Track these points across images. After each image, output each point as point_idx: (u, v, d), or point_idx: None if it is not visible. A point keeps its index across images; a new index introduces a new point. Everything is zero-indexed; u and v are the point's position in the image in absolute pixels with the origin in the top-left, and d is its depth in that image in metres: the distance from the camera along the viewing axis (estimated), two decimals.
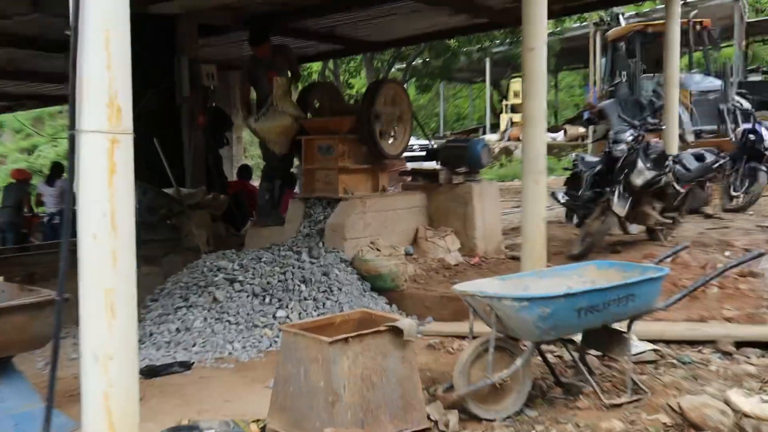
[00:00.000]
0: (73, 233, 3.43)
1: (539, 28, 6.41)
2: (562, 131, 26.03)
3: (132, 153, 3.38)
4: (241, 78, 9.40)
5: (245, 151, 19.61)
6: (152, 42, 10.16)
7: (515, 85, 29.28)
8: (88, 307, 3.35)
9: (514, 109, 28.75)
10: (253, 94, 9.35)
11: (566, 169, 9.46)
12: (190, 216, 9.50)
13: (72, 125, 3.35)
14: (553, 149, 23.34)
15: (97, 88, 3.32)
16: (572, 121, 26.56)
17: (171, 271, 7.87)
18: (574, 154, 11.64)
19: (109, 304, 3.32)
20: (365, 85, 32.46)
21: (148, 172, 10.27)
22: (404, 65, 27.18)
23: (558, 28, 26.03)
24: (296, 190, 10.46)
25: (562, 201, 8.93)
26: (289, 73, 9.00)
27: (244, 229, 10.39)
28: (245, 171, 13.37)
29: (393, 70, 28.45)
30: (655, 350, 5.34)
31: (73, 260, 3.41)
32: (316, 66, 27.35)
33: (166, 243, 9.32)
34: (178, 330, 6.47)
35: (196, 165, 10.41)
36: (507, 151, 26.14)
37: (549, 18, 6.81)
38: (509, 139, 27.21)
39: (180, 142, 10.43)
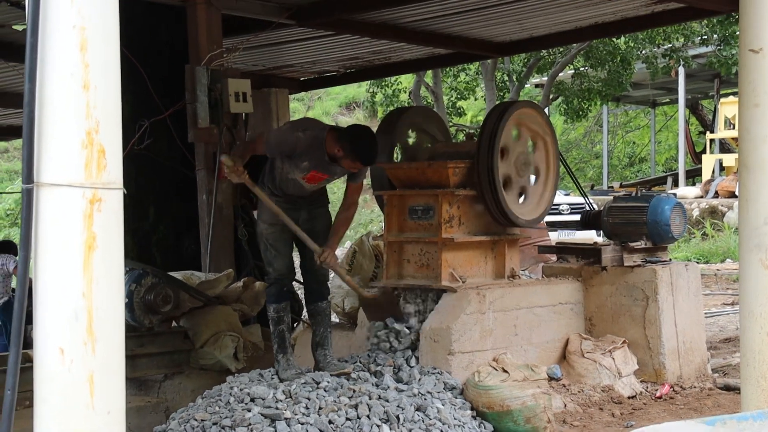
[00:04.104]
0: (25, 344, 3.43)
1: None
2: None
3: (122, 218, 3.38)
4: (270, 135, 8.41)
5: None
6: (147, 43, 10.39)
7: (727, 108, 28.98)
8: None
9: (725, 146, 28.36)
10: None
11: None
12: (209, 315, 9.54)
13: (27, 175, 3.36)
14: None
15: (66, 118, 3.35)
16: None
17: (177, 404, 7.89)
18: None
19: None
20: (483, 111, 32.79)
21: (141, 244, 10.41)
22: (544, 79, 27.24)
23: None
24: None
25: None
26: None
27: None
28: None
29: (527, 86, 28.51)
30: None
31: (24, 387, 3.40)
32: (406, 80, 27.55)
33: (169, 359, 9.36)
34: None
35: (218, 235, 10.49)
36: (713, 214, 25.77)
37: None
38: (717, 195, 26.85)
39: (193, 200, 10.54)
